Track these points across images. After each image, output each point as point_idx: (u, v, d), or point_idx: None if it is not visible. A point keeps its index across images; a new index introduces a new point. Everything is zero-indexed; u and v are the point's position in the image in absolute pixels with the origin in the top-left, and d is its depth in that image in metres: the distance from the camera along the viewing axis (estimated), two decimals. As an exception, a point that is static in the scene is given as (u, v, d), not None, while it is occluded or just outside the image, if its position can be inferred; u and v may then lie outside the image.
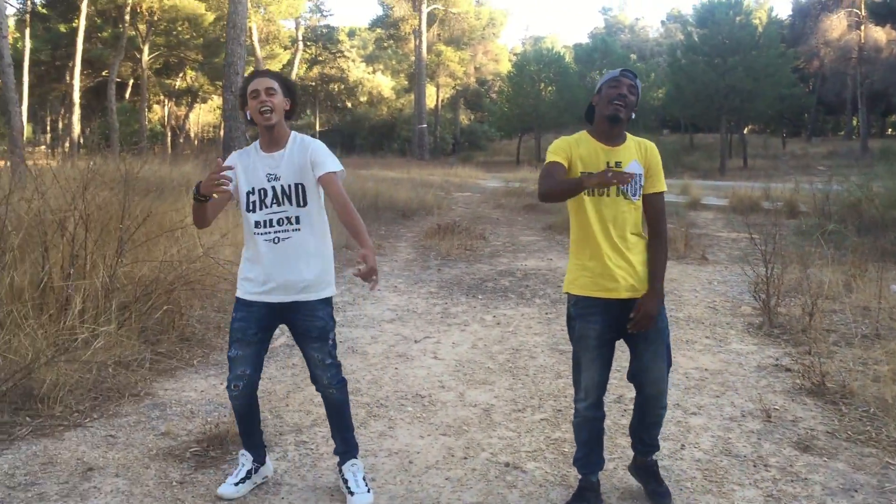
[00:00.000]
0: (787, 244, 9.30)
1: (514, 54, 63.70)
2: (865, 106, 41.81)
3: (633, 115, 3.27)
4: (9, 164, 11.92)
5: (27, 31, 35.16)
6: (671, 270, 7.46)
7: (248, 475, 3.44)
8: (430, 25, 48.73)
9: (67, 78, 36.74)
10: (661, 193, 3.33)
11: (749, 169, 35.48)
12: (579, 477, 3.40)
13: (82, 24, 32.27)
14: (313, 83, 55.68)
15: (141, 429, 4.21)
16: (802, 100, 44.01)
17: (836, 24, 42.62)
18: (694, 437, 4.17)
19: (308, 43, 52.14)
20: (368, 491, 3.37)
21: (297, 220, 3.27)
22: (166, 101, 47.95)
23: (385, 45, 56.34)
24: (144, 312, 5.67)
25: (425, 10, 46.38)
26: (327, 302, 3.36)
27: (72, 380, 4.53)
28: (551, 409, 4.62)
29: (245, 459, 3.47)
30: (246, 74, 3.66)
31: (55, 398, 4.34)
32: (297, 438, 4.11)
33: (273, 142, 3.32)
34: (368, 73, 58.03)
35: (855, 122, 48.87)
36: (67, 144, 31.42)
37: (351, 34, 63.99)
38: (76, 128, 32.26)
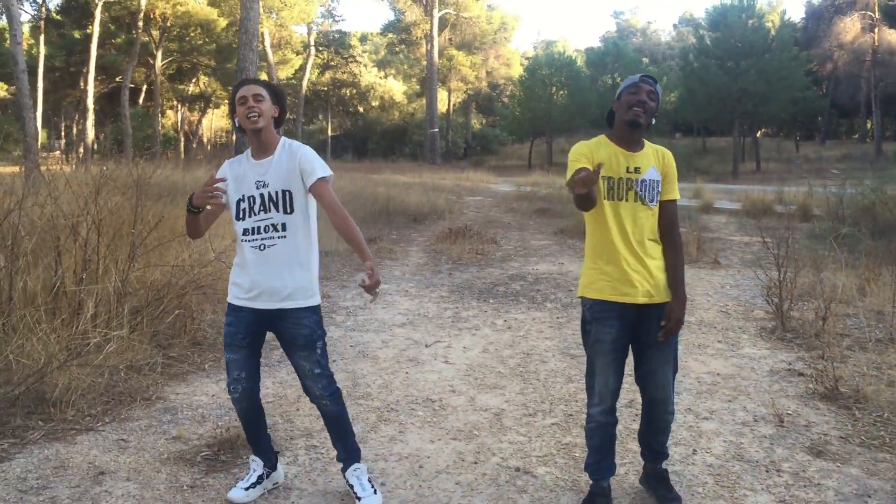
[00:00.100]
0: (801, 248, 9.25)
1: (526, 58, 63.73)
2: (879, 109, 41.59)
3: (654, 121, 3.27)
4: (23, 169, 11.99)
5: (42, 38, 35.49)
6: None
7: (259, 480, 3.44)
8: (441, 30, 48.81)
9: (81, 84, 37.05)
10: (675, 201, 3.35)
11: (762, 172, 35.36)
12: (590, 482, 3.39)
13: (96, 30, 32.56)
14: (325, 88, 55.88)
15: (152, 433, 4.22)
16: (816, 103, 43.82)
17: (850, 27, 42.41)
18: (706, 442, 4.14)
19: (320, 48, 52.33)
20: (375, 492, 3.37)
21: (284, 227, 3.26)
22: (179, 106, 48.23)
23: (397, 49, 56.49)
24: (156, 317, 5.69)
25: (437, 14, 46.47)
26: (314, 310, 3.33)
27: (84, 384, 4.55)
28: (562, 414, 4.60)
29: (256, 465, 3.47)
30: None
31: (67, 402, 4.36)
32: (308, 443, 4.11)
33: (262, 148, 3.31)
34: (380, 77, 58.15)
35: (869, 125, 48.57)
36: (81, 150, 31.58)
37: (363, 39, 64.17)
38: (90, 133, 32.50)
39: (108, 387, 4.72)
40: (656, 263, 3.26)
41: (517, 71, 55.79)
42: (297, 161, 3.27)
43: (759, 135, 44.90)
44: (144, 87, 44.11)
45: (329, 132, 57.54)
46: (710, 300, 7.91)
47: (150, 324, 5.59)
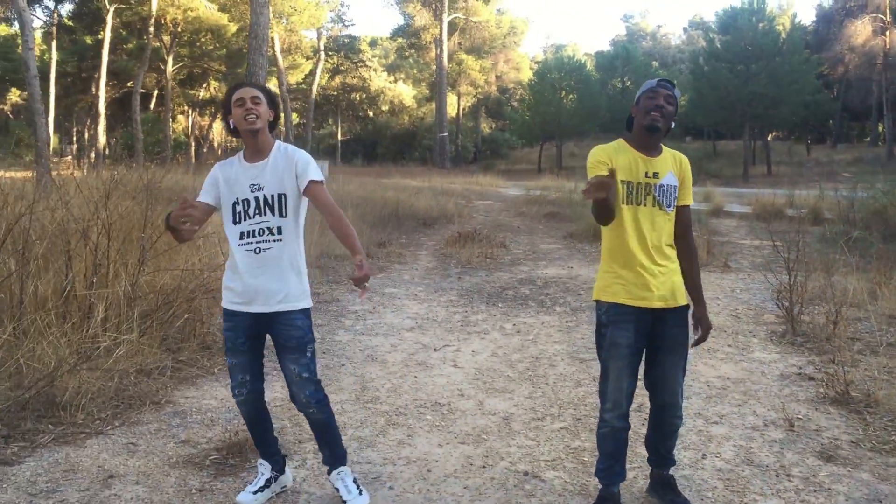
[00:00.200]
0: (811, 252, 9.21)
1: (536, 62, 63.72)
2: (891, 112, 41.32)
3: (672, 125, 3.27)
4: (34, 174, 12.06)
5: (54, 44, 35.75)
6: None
7: (267, 484, 3.44)
8: (451, 34, 48.85)
9: (93, 89, 37.29)
10: (689, 207, 3.36)
11: (773, 176, 35.22)
12: (599, 487, 3.38)
13: (108, 35, 32.76)
14: (335, 93, 56.04)
15: (161, 436, 4.23)
16: (827, 106, 43.67)
17: (861, 30, 42.23)
18: (715, 447, 4.13)
19: (330, 53, 52.47)
20: (361, 492, 3.38)
21: (279, 231, 3.26)
22: (190, 111, 48.44)
23: (406, 54, 56.58)
24: (166, 321, 5.71)
25: (446, 19, 46.52)
26: (306, 313, 3.33)
27: (94, 388, 4.57)
28: (571, 418, 4.59)
29: (264, 468, 3.48)
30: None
31: (77, 406, 4.38)
32: (316, 447, 4.09)
33: (257, 151, 3.30)
34: (390, 82, 58.28)
35: (880, 129, 48.29)
36: (93, 155, 31.77)
37: (372, 44, 64.33)
38: (101, 138, 32.69)
39: (117, 390, 4.74)
40: (673, 267, 3.27)
41: (527, 75, 55.79)
42: (293, 164, 3.27)
43: (769, 138, 44.76)
44: (155, 92, 44.34)
45: (339, 136, 57.68)
46: (721, 304, 7.88)
47: (159, 328, 5.61)
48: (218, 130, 53.25)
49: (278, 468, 3.51)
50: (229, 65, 39.53)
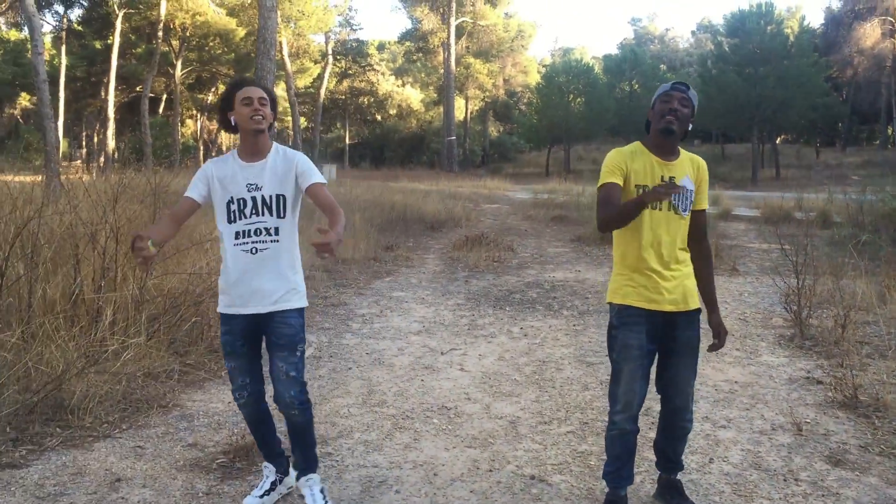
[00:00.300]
0: (820, 255, 9.18)
1: (543, 66, 63.67)
2: (901, 115, 41.22)
3: (691, 126, 3.26)
4: (43, 178, 12.11)
5: (63, 48, 35.95)
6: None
7: (273, 487, 3.45)
8: (458, 38, 48.89)
9: (102, 93, 37.46)
10: (705, 211, 3.36)
11: (782, 179, 35.14)
12: (606, 490, 3.37)
13: (117, 40, 32.94)
14: (343, 97, 56.17)
15: (169, 440, 4.24)
16: (836, 109, 43.50)
17: (870, 33, 42.12)
18: (723, 451, 4.11)
19: (338, 57, 52.60)
20: (327, 503, 3.36)
21: (277, 232, 3.25)
22: (198, 115, 48.61)
23: (414, 58, 56.61)
24: (173, 324, 5.73)
25: (454, 22, 46.56)
26: (300, 313, 3.33)
27: (102, 391, 4.58)
28: (578, 422, 4.58)
29: (268, 471, 3.49)
30: (239, 85, 3.50)
31: (85, 409, 4.40)
32: (323, 450, 4.11)
33: (256, 151, 3.30)
34: (398, 86, 58.35)
35: (890, 132, 48.14)
36: (102, 159, 31.91)
37: (380, 48, 64.48)
38: (110, 142, 32.82)
39: (125, 394, 4.75)
40: (686, 271, 3.27)
41: (534, 78, 55.76)
42: (293, 166, 3.27)
43: (778, 141, 44.65)
44: (164, 97, 44.55)
45: (347, 140, 57.78)
46: (729, 307, 7.85)
47: (167, 331, 5.63)
48: (226, 134, 53.38)
49: (282, 470, 3.51)
50: (238, 69, 39.66)
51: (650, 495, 3.55)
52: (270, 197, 3.25)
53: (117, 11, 33.05)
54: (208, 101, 46.23)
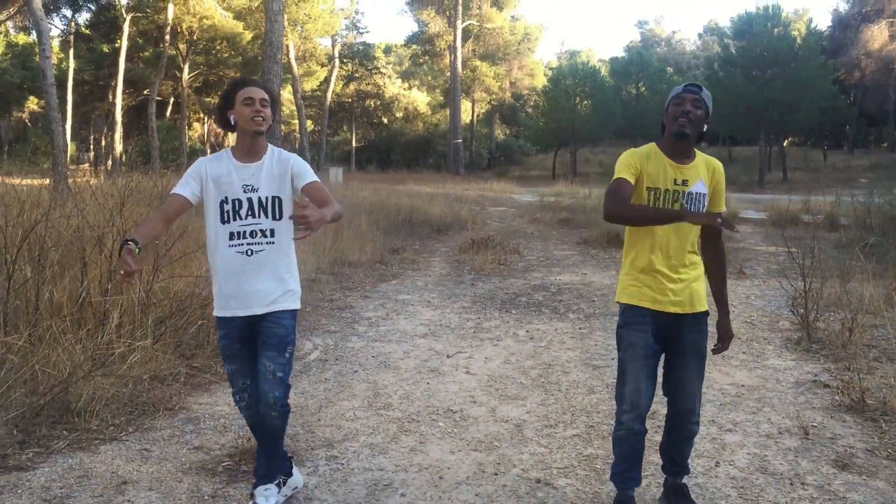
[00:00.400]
0: (827, 258, 9.14)
1: (550, 69, 63.60)
2: (908, 117, 41.07)
3: (706, 127, 3.25)
4: (51, 181, 12.16)
5: (71, 52, 36.08)
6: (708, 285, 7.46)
7: (277, 488, 3.45)
8: (465, 41, 48.92)
9: (110, 97, 37.63)
10: (721, 213, 3.33)
11: (789, 182, 35.02)
12: (615, 491, 3.37)
13: (124, 44, 33.06)
14: (350, 99, 56.22)
15: (175, 443, 4.25)
16: (843, 111, 43.35)
17: (878, 35, 41.97)
18: (729, 455, 4.10)
19: (345, 60, 52.67)
20: None
21: (272, 234, 3.25)
22: (206, 118, 48.73)
23: (421, 61, 56.69)
24: (180, 327, 5.74)
25: (460, 25, 46.59)
26: (293, 314, 3.33)
27: (108, 394, 4.60)
28: (584, 425, 4.58)
29: (273, 473, 3.49)
30: (243, 86, 3.43)
31: (92, 412, 4.41)
32: (328, 453, 4.12)
33: (252, 152, 3.29)
34: (404, 89, 58.39)
35: (898, 134, 47.97)
36: (110, 162, 32.02)
37: (387, 51, 64.53)
38: (118, 146, 32.93)
39: (131, 397, 4.76)
40: (695, 275, 3.26)
41: (541, 81, 55.72)
42: (289, 167, 3.27)
43: (785, 144, 44.52)
44: (172, 100, 44.69)
45: (353, 143, 57.83)
46: (735, 311, 7.83)
47: (173, 334, 5.64)
48: (233, 138, 53.50)
49: (285, 471, 3.51)
50: (244, 72, 39.68)
51: (656, 499, 3.54)
52: (267, 199, 3.24)
53: (125, 15, 33.17)
54: (215, 104, 46.32)
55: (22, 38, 44.85)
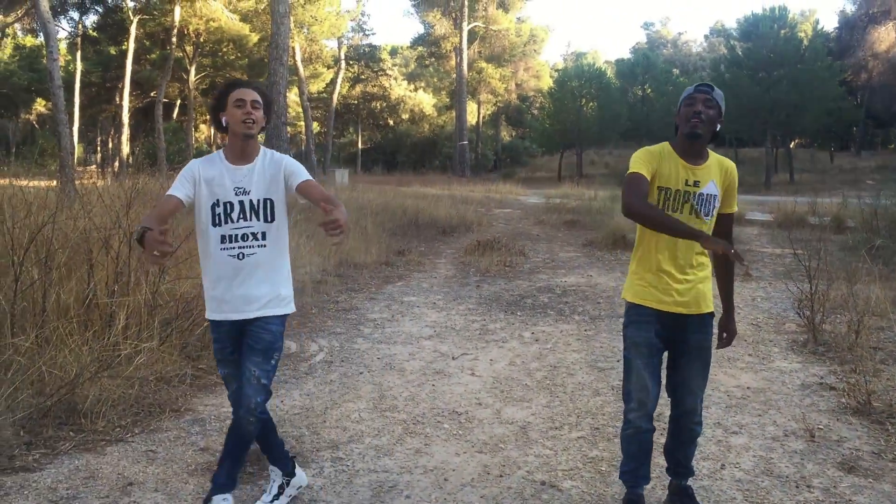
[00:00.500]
0: (833, 260, 9.12)
1: (556, 70, 63.65)
2: (916, 118, 40.93)
3: (719, 127, 3.24)
4: (58, 183, 12.20)
5: (78, 54, 36.20)
6: (713, 288, 7.45)
7: (281, 490, 3.46)
8: (471, 43, 48.90)
9: (117, 99, 37.74)
10: (732, 214, 3.34)
11: (796, 184, 34.92)
12: (618, 496, 3.37)
13: (131, 46, 33.17)
14: (356, 101, 56.28)
15: (181, 444, 4.26)
16: (850, 113, 43.17)
17: (885, 36, 41.86)
18: (735, 457, 4.10)
19: (351, 62, 52.71)
20: None
21: (264, 237, 3.22)
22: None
23: (426, 62, 56.68)
24: (186, 329, 5.75)
25: (466, 27, 46.58)
26: (282, 320, 3.29)
27: (114, 395, 4.61)
28: (589, 427, 4.57)
29: (275, 475, 3.49)
30: (235, 87, 3.39)
31: (98, 413, 4.42)
32: (334, 455, 4.12)
33: (244, 155, 3.26)
34: (410, 90, 58.43)
35: (905, 135, 47.81)
36: (117, 164, 32.11)
37: (393, 52, 64.60)
38: (125, 147, 33.02)
39: (137, 398, 4.78)
40: (701, 276, 3.27)
41: (547, 83, 55.71)
42: (282, 169, 3.24)
43: (792, 146, 44.41)
44: (178, 102, 44.77)
45: (359, 145, 57.90)
46: (741, 313, 7.82)
47: (179, 336, 5.65)
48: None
49: (288, 471, 3.51)
50: (251, 74, 39.78)
51: (661, 501, 3.54)
52: (258, 201, 3.21)
53: (132, 17, 33.28)
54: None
55: (29, 41, 44.99)
